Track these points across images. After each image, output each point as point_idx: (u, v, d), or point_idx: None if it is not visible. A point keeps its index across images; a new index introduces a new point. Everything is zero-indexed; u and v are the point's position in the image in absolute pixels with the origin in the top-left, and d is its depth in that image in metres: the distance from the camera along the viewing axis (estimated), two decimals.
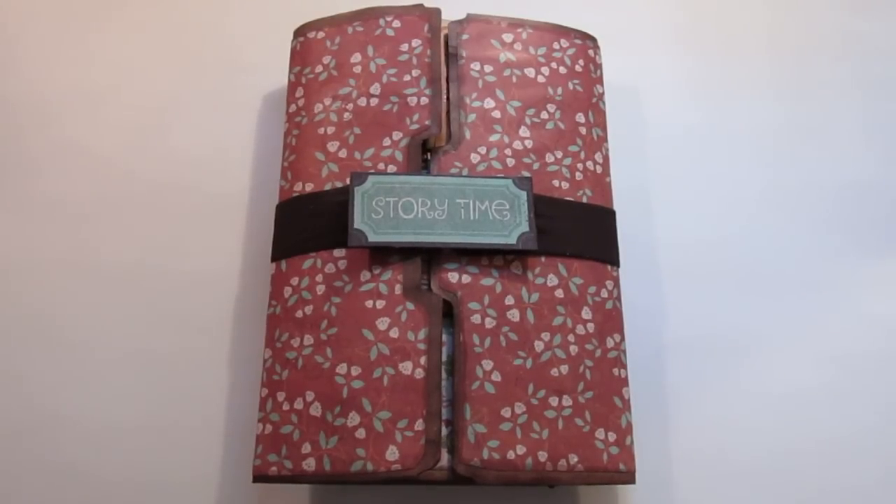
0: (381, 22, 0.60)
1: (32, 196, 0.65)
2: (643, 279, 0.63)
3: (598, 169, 0.58)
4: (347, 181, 0.55)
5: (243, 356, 0.60)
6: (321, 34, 0.61)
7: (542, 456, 0.50)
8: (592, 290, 0.54)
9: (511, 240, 0.53)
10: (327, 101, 0.58)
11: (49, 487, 0.57)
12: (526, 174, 0.56)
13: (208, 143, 0.67)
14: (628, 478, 0.51)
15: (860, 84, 0.72)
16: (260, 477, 0.50)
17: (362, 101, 0.58)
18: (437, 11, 0.61)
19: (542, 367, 0.52)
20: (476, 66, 0.59)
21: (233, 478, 0.57)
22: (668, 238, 0.65)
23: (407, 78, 0.58)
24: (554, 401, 0.51)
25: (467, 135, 0.57)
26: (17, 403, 0.59)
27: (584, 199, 0.57)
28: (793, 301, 0.63)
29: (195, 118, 0.68)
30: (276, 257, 0.56)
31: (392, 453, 0.49)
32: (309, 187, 0.56)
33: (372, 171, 0.55)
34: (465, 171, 0.55)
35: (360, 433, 0.50)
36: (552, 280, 0.54)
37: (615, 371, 0.53)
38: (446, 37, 0.60)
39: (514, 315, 0.52)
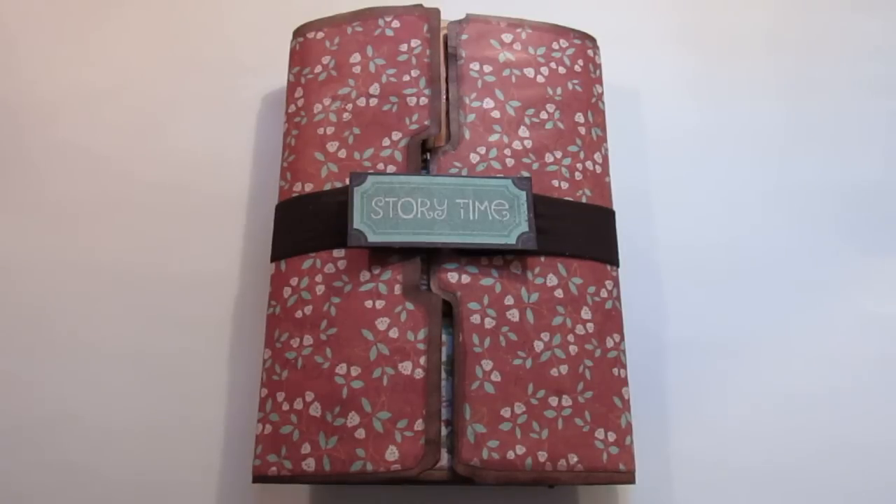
0: (381, 22, 0.60)
1: (32, 197, 0.65)
2: (643, 279, 0.63)
3: (598, 169, 0.58)
4: (347, 181, 0.55)
5: (243, 356, 0.60)
6: (320, 34, 0.61)
7: (542, 456, 0.50)
8: (592, 290, 0.54)
9: (510, 240, 0.53)
10: (327, 102, 0.58)
11: (49, 487, 0.57)
12: (525, 174, 0.56)
13: (208, 144, 0.67)
14: (628, 478, 0.51)
15: (861, 84, 0.71)
16: (260, 477, 0.50)
17: (362, 102, 0.58)
18: (437, 11, 0.61)
19: (542, 367, 0.52)
20: (475, 66, 0.59)
21: (233, 478, 0.57)
22: (668, 238, 0.65)
23: (406, 78, 0.58)
24: (553, 401, 0.51)
25: (467, 135, 0.57)
26: (17, 403, 0.59)
27: (584, 199, 0.57)
28: (793, 301, 0.63)
29: (194, 118, 0.68)
30: (275, 257, 0.56)
31: (392, 453, 0.49)
32: (308, 187, 0.56)
33: (371, 171, 0.55)
34: (464, 172, 0.55)
35: (360, 433, 0.50)
36: (552, 280, 0.54)
37: (615, 371, 0.53)
38: (445, 37, 0.60)
39: (513, 315, 0.52)
